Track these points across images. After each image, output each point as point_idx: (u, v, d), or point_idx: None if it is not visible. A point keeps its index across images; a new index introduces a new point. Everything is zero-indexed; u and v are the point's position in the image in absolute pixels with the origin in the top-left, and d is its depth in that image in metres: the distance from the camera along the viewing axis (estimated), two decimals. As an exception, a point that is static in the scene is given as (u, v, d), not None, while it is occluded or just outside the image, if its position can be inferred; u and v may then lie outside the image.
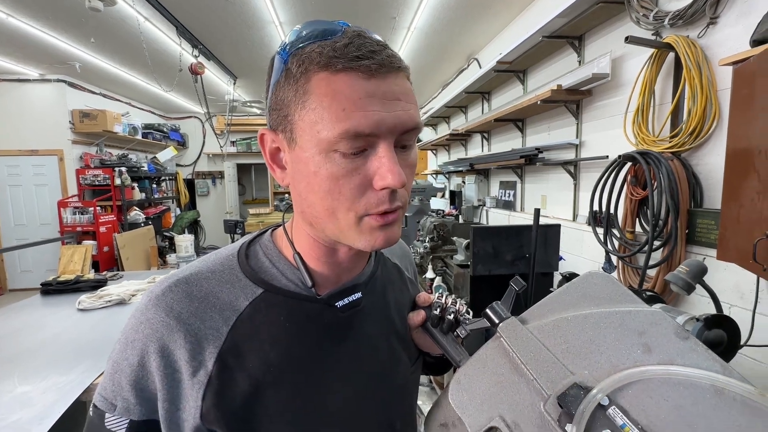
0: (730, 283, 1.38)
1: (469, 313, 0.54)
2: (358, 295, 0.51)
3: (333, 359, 0.48)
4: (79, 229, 4.72)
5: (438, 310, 0.53)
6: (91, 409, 0.44)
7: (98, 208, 4.82)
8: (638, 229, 1.81)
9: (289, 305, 0.46)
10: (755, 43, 1.22)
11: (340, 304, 0.49)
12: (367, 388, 0.50)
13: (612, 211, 1.89)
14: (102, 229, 4.78)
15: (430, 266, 2.64)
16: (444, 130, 5.13)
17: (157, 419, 0.43)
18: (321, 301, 0.48)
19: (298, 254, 0.47)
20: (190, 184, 7.73)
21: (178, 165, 7.48)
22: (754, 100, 1.07)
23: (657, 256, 1.66)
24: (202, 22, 3.24)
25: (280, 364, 0.45)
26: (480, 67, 3.78)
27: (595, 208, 1.96)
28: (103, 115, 5.02)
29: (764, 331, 1.24)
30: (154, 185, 6.31)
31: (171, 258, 5.36)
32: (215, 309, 0.44)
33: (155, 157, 6.23)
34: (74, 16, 3.09)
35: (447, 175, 5.04)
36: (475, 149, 4.16)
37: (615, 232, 1.90)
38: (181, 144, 7.39)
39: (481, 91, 3.73)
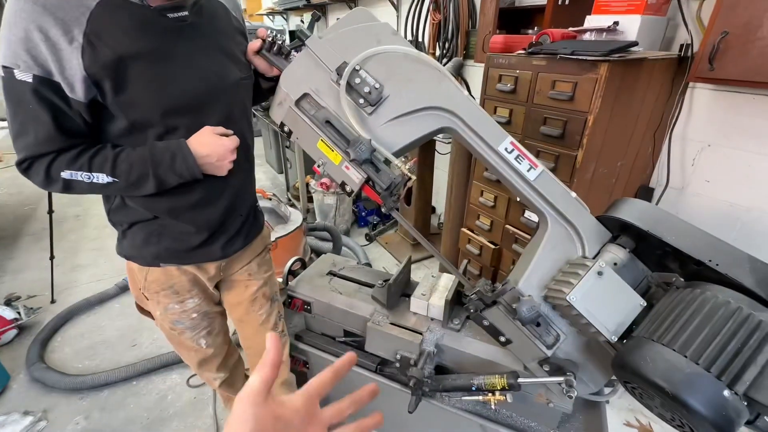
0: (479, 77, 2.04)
1: (287, 44, 0.83)
2: (185, 13, 0.71)
3: (175, 54, 0.70)
4: None
5: (271, 38, 0.80)
6: (0, 71, 0.61)
7: None
8: (438, 50, 2.32)
9: (129, 8, 0.64)
10: None
11: (170, 15, 0.69)
12: (210, 81, 0.75)
13: (421, 37, 2.33)
14: None
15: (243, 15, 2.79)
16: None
17: (56, 80, 0.62)
18: (155, 10, 0.67)
19: None
20: None
21: None
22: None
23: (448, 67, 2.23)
24: None
25: (132, 45, 0.64)
26: None
27: (410, 37, 2.36)
28: None
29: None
30: None
31: None
32: (71, 4, 0.60)
33: None
34: None
35: (285, 15, 4.71)
36: (311, -18, 3.94)
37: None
38: None
39: None
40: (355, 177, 0.75)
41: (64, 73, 0.62)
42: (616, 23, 1.29)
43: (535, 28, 1.73)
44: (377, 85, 0.75)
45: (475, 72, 2.11)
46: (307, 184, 2.60)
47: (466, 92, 0.79)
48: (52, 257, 2.11)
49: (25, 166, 0.66)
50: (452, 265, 0.92)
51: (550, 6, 1.49)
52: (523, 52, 1.33)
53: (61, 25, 0.59)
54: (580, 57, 1.13)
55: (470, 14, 2.07)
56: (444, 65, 2.15)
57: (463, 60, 2.15)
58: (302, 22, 4.11)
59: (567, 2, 1.48)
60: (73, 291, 2.21)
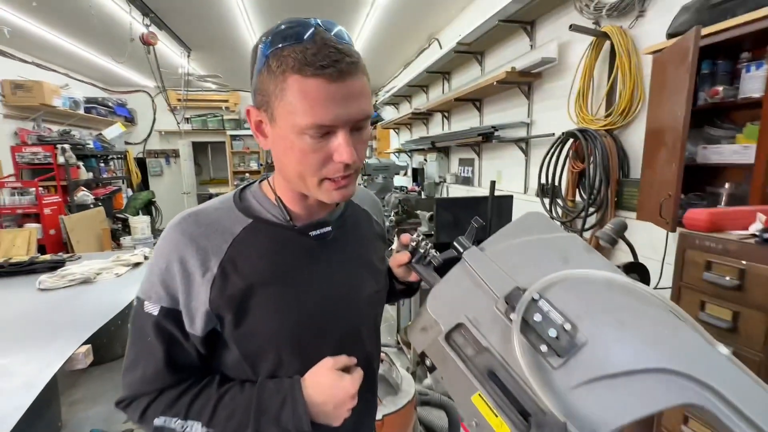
0: (646, 239, 1.65)
1: (436, 251, 0.69)
2: (329, 228, 0.66)
3: (310, 274, 0.63)
4: (19, 211, 4.38)
5: (415, 243, 0.68)
6: (135, 300, 0.60)
7: (41, 188, 4.48)
8: (579, 199, 2.07)
9: (271, 231, 0.62)
10: (669, 36, 1.45)
11: (313, 233, 0.64)
12: (338, 299, 0.66)
13: (557, 183, 2.14)
14: (47, 210, 4.46)
15: (395, 238, 2.81)
16: (406, 109, 5.24)
17: (179, 309, 0.57)
18: (297, 230, 0.63)
19: (279, 197, 0.63)
20: (141, 163, 7.30)
21: (127, 143, 7.03)
22: (666, 86, 1.29)
23: (592, 220, 1.93)
24: (153, -11, 3.06)
25: (265, 270, 0.60)
26: (441, 48, 3.91)
27: (543, 181, 2.19)
28: (40, 87, 4.60)
29: (669, 277, 1.52)
30: (102, 164, 5.91)
31: (126, 240, 5.13)
32: (218, 232, 0.59)
33: (101, 134, 5.81)
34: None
35: (409, 154, 5.19)
36: (436, 128, 4.33)
37: (559, 201, 2.15)
38: (129, 120, 6.92)
39: (441, 71, 3.87)
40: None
41: (190, 305, 0.57)
42: None
43: (726, 186, 1.37)
44: (567, 326, 0.51)
45: (638, 230, 1.74)
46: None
47: (724, 349, 0.49)
48: None
49: (125, 404, 0.60)
50: None
51: (762, 164, 1.14)
52: (746, 234, 0.98)
53: (200, 255, 0.57)
54: None
55: (621, 162, 1.83)
56: (596, 221, 1.86)
57: (624, 221, 1.84)
58: (425, 161, 4.42)
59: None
60: None
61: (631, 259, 1.34)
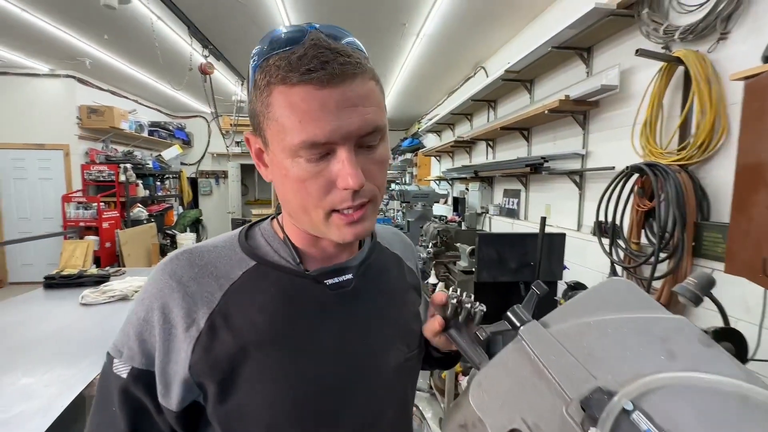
0: (737, 297, 1.38)
1: (483, 311, 0.54)
2: (349, 276, 0.53)
3: (321, 334, 0.50)
4: (82, 224, 4.72)
5: (455, 301, 0.54)
6: (106, 355, 0.48)
7: (102, 203, 4.83)
8: (644, 240, 1.81)
9: (278, 277, 0.50)
10: (767, 59, 1.24)
11: (329, 282, 0.51)
12: (356, 369, 0.51)
13: (618, 221, 1.90)
14: (105, 224, 4.78)
15: (432, 271, 2.64)
16: (448, 136, 5.15)
17: (152, 370, 0.46)
18: (309, 276, 0.50)
19: (287, 237, 0.52)
20: (193, 182, 7.75)
21: (182, 164, 7.51)
22: (766, 115, 1.08)
23: (663, 268, 1.66)
24: (213, 22, 3.27)
25: (265, 329, 0.47)
26: (487, 76, 3.81)
27: (601, 218, 1.96)
28: (111, 112, 5.05)
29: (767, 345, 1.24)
30: (158, 183, 6.33)
31: (172, 256, 5.34)
32: (212, 276, 0.48)
33: (160, 155, 6.25)
34: (88, 12, 3.12)
35: (450, 182, 5.05)
36: (480, 157, 4.18)
37: (620, 242, 1.90)
38: (186, 143, 7.41)
39: (487, 100, 3.75)
40: None
41: (166, 368, 0.45)
42: None
43: None
44: (676, 455, 0.35)
45: (726, 285, 1.38)
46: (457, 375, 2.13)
47: None
48: None
49: None
50: None
51: None
52: None
53: (186, 304, 0.46)
54: None
55: (699, 202, 1.58)
56: (668, 270, 1.61)
57: (711, 276, 1.57)
58: (467, 189, 4.25)
59: None
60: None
61: (718, 322, 1.10)
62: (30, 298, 2.26)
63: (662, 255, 1.63)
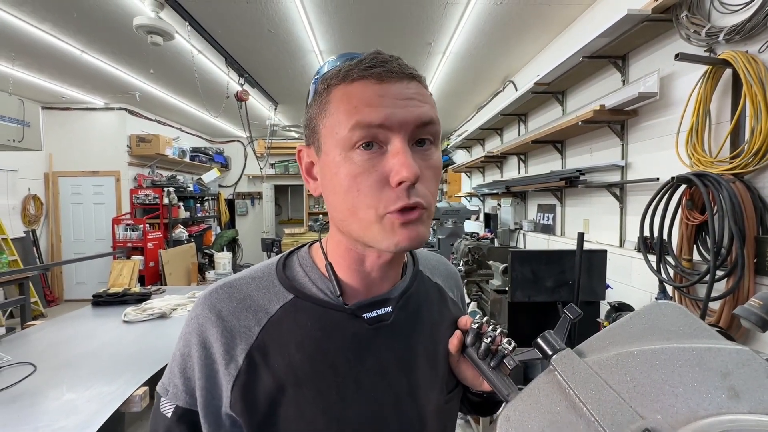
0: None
1: (510, 343, 0.49)
2: (388, 309, 0.50)
3: (357, 371, 0.47)
4: (129, 244, 5.02)
5: (475, 329, 0.50)
6: (155, 394, 0.50)
7: (147, 225, 5.13)
8: (696, 257, 1.66)
9: (316, 312, 0.48)
10: (829, 55, 1.12)
11: (367, 315, 0.49)
12: (393, 409, 0.48)
13: (666, 237, 1.76)
14: (149, 245, 5.06)
15: (464, 290, 2.56)
16: (478, 152, 5.08)
17: (197, 410, 0.45)
18: (348, 310, 0.48)
19: (330, 264, 0.49)
20: (230, 204, 8.09)
21: (220, 186, 7.88)
22: (833, 117, 0.97)
23: (720, 287, 1.51)
24: (248, 52, 3.46)
25: (302, 367, 0.46)
26: (516, 90, 3.75)
27: (646, 233, 1.83)
28: (157, 140, 5.42)
29: None
30: (198, 205, 6.66)
31: (210, 274, 5.56)
32: (250, 310, 0.47)
33: (200, 178, 6.60)
34: (137, 50, 3.40)
35: (482, 198, 4.95)
36: (511, 171, 4.07)
37: (669, 259, 1.75)
38: (224, 166, 7.79)
39: (517, 113, 3.68)
40: None
41: (209, 406, 0.45)
42: None
43: None
44: None
45: None
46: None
47: None
48: None
49: None
50: None
51: None
52: None
53: (225, 339, 0.46)
54: None
55: (759, 215, 1.43)
56: (726, 290, 1.46)
57: (754, 277, 1.42)
58: (498, 205, 4.14)
59: None
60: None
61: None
62: (79, 315, 2.40)
63: (719, 273, 1.48)
